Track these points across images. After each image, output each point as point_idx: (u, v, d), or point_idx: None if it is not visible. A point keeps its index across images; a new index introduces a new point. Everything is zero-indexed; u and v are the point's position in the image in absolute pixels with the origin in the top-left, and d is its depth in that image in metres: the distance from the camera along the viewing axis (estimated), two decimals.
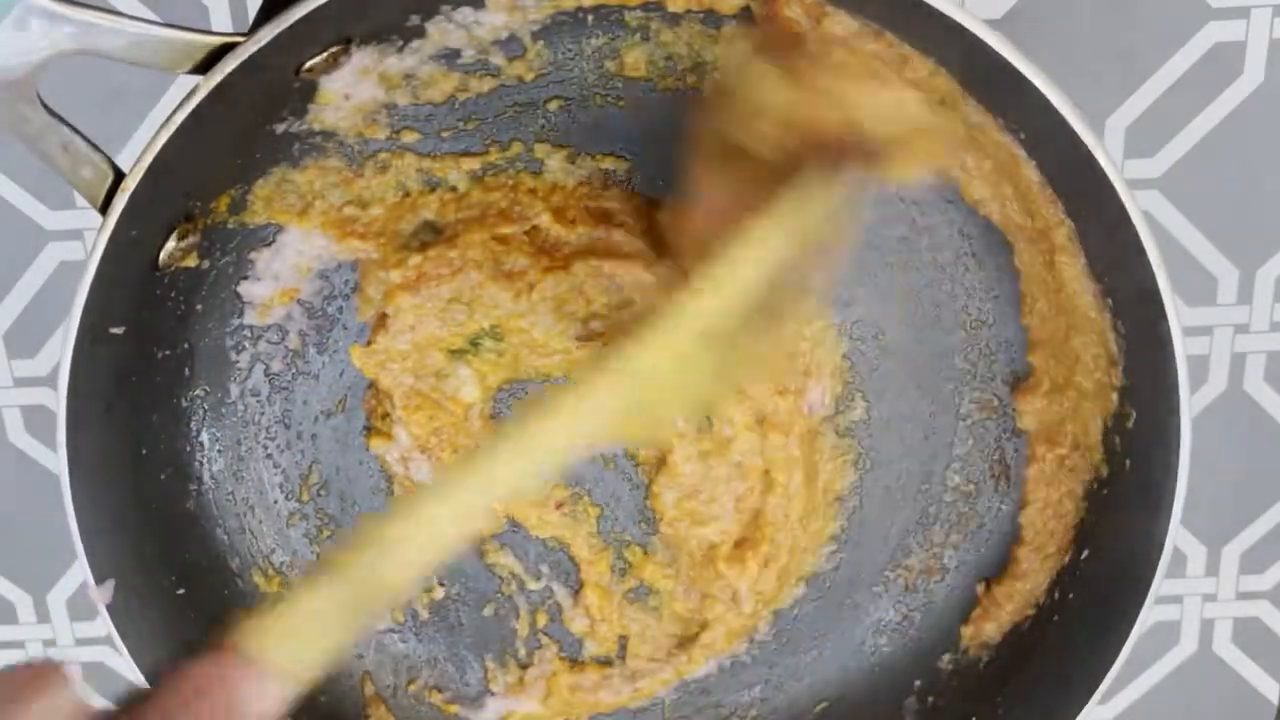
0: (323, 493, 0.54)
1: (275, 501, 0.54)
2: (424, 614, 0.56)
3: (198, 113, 0.40)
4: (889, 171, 0.41)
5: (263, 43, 0.40)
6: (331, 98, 0.46)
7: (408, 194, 0.50)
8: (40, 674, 0.31)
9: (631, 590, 0.56)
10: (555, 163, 0.50)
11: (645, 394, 0.39)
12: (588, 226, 0.50)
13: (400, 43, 0.45)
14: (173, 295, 0.48)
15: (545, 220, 0.50)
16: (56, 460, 0.44)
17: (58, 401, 0.43)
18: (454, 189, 0.50)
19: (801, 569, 0.55)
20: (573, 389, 0.38)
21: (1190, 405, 0.43)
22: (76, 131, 0.41)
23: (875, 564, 0.55)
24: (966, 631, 0.53)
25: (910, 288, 0.52)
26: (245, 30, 0.40)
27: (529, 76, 0.48)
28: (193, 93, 0.40)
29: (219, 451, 0.53)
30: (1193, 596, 0.61)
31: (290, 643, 0.34)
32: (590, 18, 0.47)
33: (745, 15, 0.46)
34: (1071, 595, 0.49)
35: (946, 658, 0.54)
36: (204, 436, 0.52)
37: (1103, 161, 0.40)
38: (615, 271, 0.50)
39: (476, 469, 0.37)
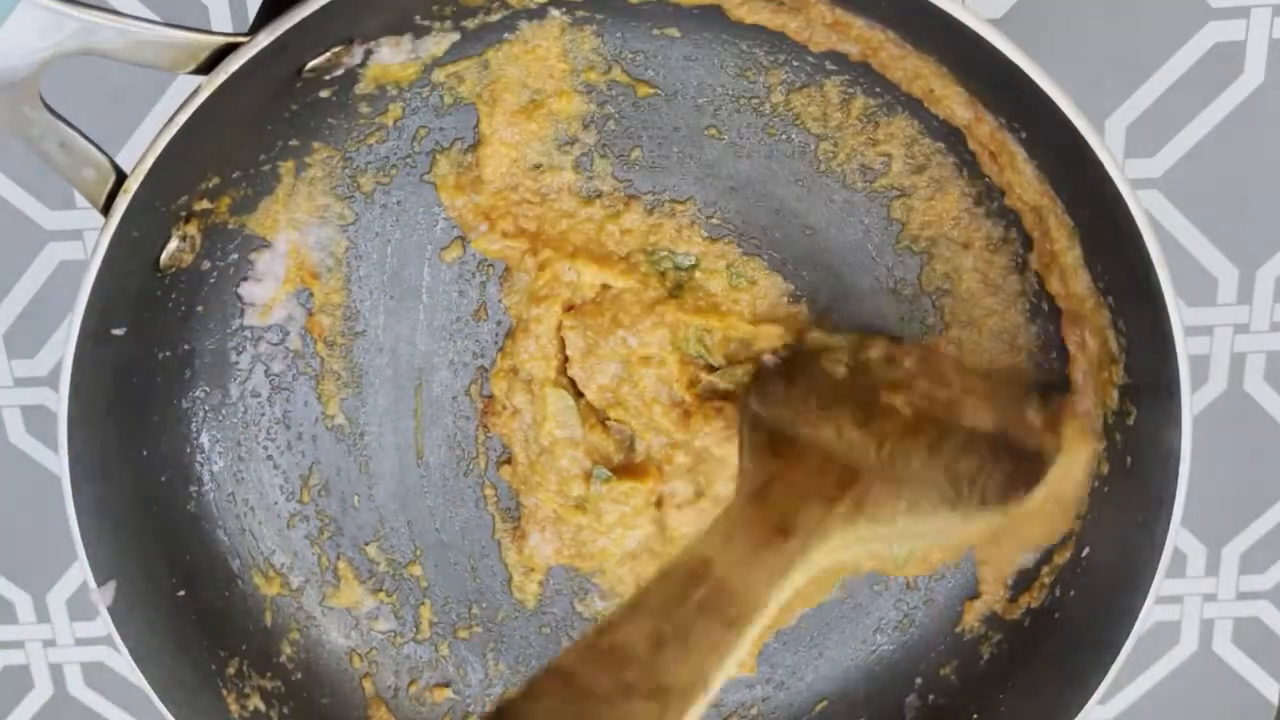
0: (323, 494, 0.54)
1: (276, 503, 0.54)
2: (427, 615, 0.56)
3: (200, 113, 0.40)
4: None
5: (266, 43, 0.39)
6: None
7: None
8: None
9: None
10: None
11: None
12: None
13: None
14: (174, 296, 0.48)
15: None
16: (56, 460, 0.44)
17: (59, 402, 0.43)
18: None
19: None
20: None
21: (1190, 405, 0.43)
22: (78, 131, 0.41)
23: None
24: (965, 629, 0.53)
25: None
26: (245, 30, 0.40)
27: None
28: (195, 93, 0.40)
29: (219, 452, 0.53)
30: (1193, 596, 0.61)
31: None
32: None
33: None
34: (1072, 593, 0.49)
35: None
36: (204, 437, 0.52)
37: (1105, 160, 0.40)
38: None
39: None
